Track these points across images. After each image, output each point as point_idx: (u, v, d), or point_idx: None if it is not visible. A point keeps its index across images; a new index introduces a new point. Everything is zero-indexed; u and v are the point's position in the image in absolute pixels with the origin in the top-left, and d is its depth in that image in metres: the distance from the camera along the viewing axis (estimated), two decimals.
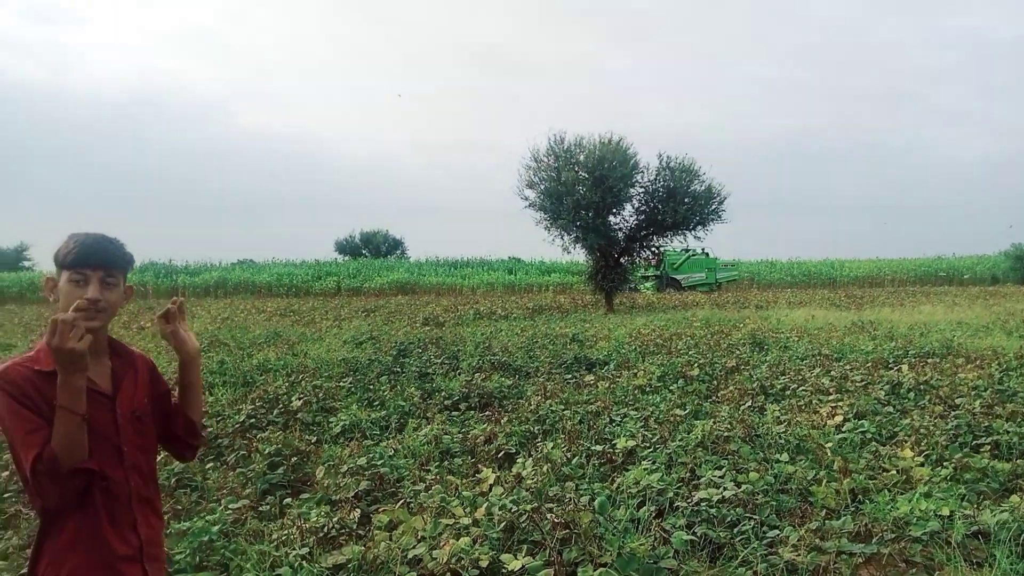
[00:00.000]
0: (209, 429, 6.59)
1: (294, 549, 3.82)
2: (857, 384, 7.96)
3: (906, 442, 5.61)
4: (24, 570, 1.89)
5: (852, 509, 4.38)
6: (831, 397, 7.33)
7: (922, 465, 4.99)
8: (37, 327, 18.17)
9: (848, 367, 9.15)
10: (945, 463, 5.05)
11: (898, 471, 4.89)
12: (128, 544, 1.95)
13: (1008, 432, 5.61)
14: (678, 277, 34.61)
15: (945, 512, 4.05)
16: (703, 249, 34.18)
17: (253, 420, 6.95)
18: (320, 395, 8.00)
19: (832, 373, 8.65)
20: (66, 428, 1.75)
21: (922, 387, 7.59)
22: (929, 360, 9.55)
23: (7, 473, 5.36)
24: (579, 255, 24.17)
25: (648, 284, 34.94)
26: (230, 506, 4.53)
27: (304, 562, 3.68)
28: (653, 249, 34.93)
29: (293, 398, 7.70)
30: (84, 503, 1.87)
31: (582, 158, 21.84)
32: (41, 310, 27.01)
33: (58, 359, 1.71)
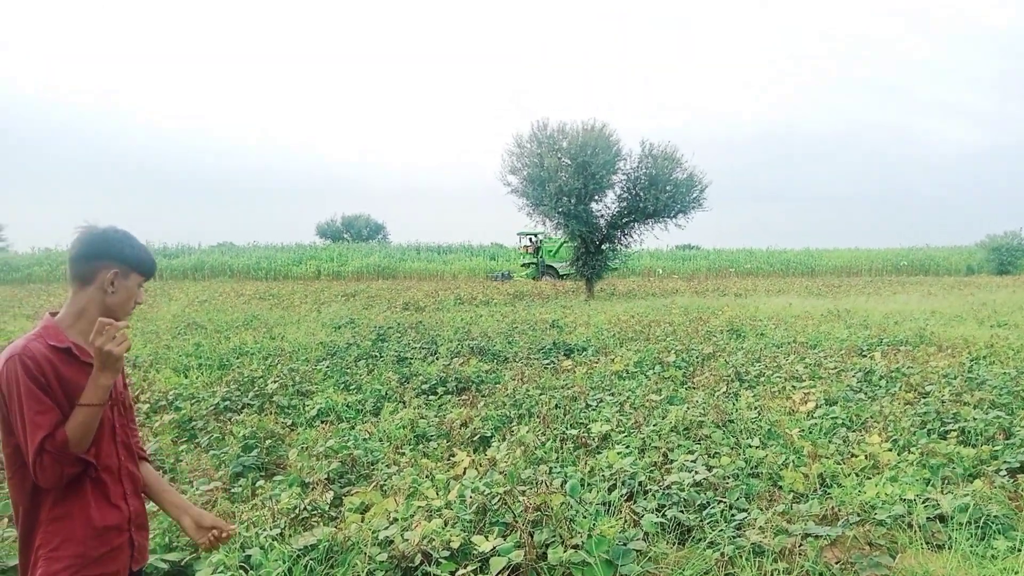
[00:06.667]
0: (183, 411, 6.55)
1: (265, 530, 3.81)
2: (830, 371, 8.06)
3: (874, 428, 5.70)
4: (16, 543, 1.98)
5: (820, 493, 4.44)
6: (804, 384, 7.42)
7: (889, 451, 5.07)
8: (9, 308, 17.91)
9: (822, 354, 9.26)
10: (912, 449, 5.14)
11: (866, 456, 4.97)
12: (118, 513, 2.05)
13: (975, 419, 5.71)
14: (555, 265, 33.88)
15: (910, 496, 4.13)
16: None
17: (228, 403, 6.91)
18: (296, 378, 7.97)
19: (806, 360, 8.75)
20: (86, 419, 1.87)
21: (893, 375, 7.70)
22: (902, 348, 9.69)
23: None
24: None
25: (525, 272, 34.67)
26: (201, 487, 4.51)
27: (275, 543, 3.67)
28: (531, 237, 35.06)
29: (269, 381, 7.66)
30: (74, 480, 1.96)
31: (565, 144, 21.80)
32: (15, 291, 26.59)
33: (99, 359, 1.84)
